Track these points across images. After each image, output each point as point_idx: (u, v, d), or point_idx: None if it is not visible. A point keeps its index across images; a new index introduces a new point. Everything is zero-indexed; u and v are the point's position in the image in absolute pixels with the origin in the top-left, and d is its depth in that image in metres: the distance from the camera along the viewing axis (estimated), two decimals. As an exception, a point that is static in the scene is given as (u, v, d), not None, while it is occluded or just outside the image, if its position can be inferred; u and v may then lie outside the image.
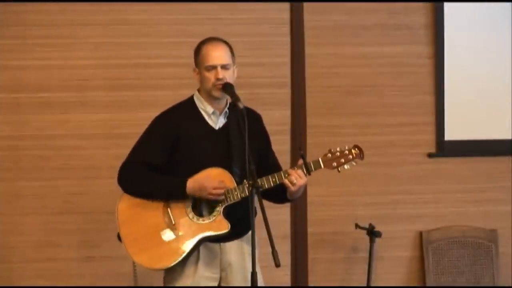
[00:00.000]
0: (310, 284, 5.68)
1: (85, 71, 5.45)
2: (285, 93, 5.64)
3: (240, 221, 3.84)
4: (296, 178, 3.82)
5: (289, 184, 3.82)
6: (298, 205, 5.63)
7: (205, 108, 3.94)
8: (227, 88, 3.86)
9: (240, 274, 3.91)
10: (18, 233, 5.41)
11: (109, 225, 5.36)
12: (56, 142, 5.44)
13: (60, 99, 5.44)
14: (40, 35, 5.41)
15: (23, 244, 5.41)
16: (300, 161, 3.88)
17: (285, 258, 5.55)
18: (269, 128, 4.94)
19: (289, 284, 5.64)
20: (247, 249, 3.92)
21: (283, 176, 3.84)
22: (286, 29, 5.65)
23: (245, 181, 3.78)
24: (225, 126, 3.94)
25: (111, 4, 5.46)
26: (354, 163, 3.90)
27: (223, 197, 3.82)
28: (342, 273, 5.72)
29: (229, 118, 3.95)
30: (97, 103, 5.47)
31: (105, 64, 5.46)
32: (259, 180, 3.76)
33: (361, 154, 3.90)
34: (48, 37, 5.42)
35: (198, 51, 3.95)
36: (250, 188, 3.66)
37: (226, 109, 3.96)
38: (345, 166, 3.90)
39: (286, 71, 5.65)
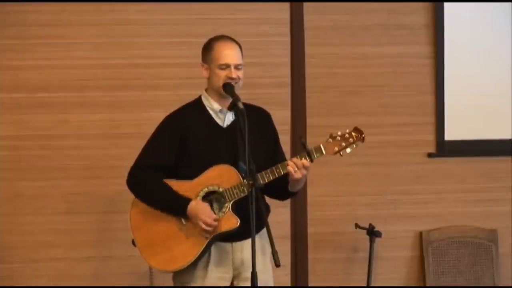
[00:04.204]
0: (310, 284, 5.68)
1: (85, 71, 5.45)
2: (285, 93, 5.64)
3: (250, 219, 3.83)
4: (294, 168, 3.80)
5: (292, 171, 3.80)
6: (298, 205, 5.64)
7: (212, 106, 3.95)
8: (227, 88, 3.87)
9: (249, 273, 3.89)
10: (18, 233, 5.41)
11: (109, 225, 5.39)
12: (56, 142, 5.43)
13: (60, 99, 5.44)
14: (40, 35, 5.41)
15: (23, 244, 5.41)
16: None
17: (285, 258, 5.54)
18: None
19: (289, 284, 5.64)
20: (260, 247, 3.91)
21: (280, 167, 3.82)
22: (286, 29, 5.65)
23: (244, 180, 3.79)
24: (233, 124, 3.94)
25: (111, 4, 5.46)
26: (355, 146, 3.89)
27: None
28: (342, 273, 5.72)
29: (237, 115, 3.95)
30: (97, 103, 5.47)
31: (105, 64, 5.46)
32: (263, 173, 3.77)
33: (361, 136, 3.89)
34: (48, 37, 5.42)
35: (209, 47, 3.95)
36: (250, 189, 3.66)
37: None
38: (347, 150, 3.88)
39: (286, 71, 5.65)
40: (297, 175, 3.82)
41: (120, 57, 5.47)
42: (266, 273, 3.95)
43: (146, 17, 5.49)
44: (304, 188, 5.62)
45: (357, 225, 5.54)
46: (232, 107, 3.83)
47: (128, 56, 5.48)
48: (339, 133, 3.89)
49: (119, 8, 5.47)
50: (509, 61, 5.82)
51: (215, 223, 3.80)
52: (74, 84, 5.45)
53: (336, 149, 3.87)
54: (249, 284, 3.85)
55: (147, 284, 5.23)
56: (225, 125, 3.95)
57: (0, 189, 5.40)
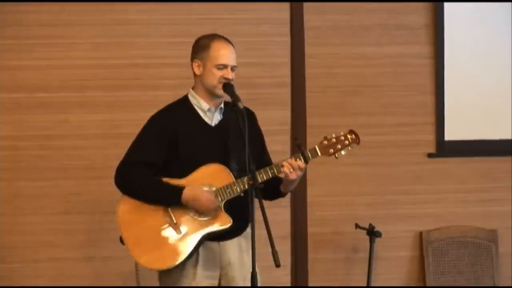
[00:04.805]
0: (310, 284, 5.68)
1: (85, 71, 5.45)
2: (285, 93, 5.65)
3: (238, 218, 3.86)
4: (289, 169, 3.81)
5: (288, 172, 3.81)
6: (298, 205, 5.64)
7: (200, 105, 3.94)
8: (227, 87, 3.86)
9: (239, 272, 3.91)
10: (18, 233, 5.41)
11: (109, 225, 5.37)
12: (56, 142, 5.44)
13: (60, 99, 5.44)
14: (40, 35, 5.42)
15: (23, 244, 5.41)
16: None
17: (285, 258, 5.55)
18: (269, 128, 4.94)
19: (289, 284, 5.65)
20: (246, 246, 3.93)
21: (275, 168, 3.83)
22: (286, 29, 5.65)
23: (245, 179, 3.78)
24: (221, 123, 3.94)
25: (111, 4, 5.47)
26: (350, 148, 3.90)
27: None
28: (342, 273, 5.73)
29: (225, 114, 3.95)
30: (97, 103, 5.47)
31: (105, 64, 5.46)
32: (256, 173, 3.76)
33: (357, 139, 3.89)
34: (48, 37, 5.42)
35: (206, 44, 3.92)
36: (251, 189, 3.66)
37: (222, 106, 3.96)
38: (342, 152, 3.89)
39: (286, 71, 5.65)
40: (293, 176, 3.82)
41: (120, 57, 5.48)
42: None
43: (146, 17, 5.50)
44: (304, 188, 5.63)
45: (357, 225, 5.54)
46: (232, 107, 3.82)
47: (128, 56, 5.48)
48: (334, 135, 3.89)
49: (119, 8, 5.48)
50: (509, 61, 5.82)
51: (217, 202, 3.79)
52: (74, 84, 5.45)
53: (331, 151, 3.88)
54: (235, 284, 3.89)
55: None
56: (213, 124, 3.94)
57: (0, 189, 5.40)
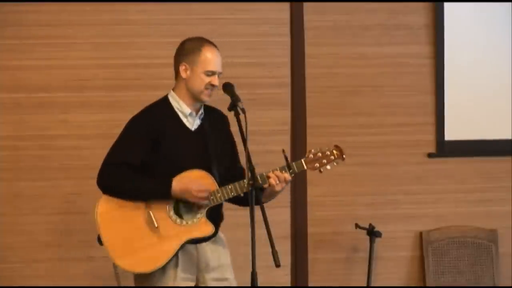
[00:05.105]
0: (310, 284, 5.68)
1: (85, 71, 5.45)
2: (285, 93, 5.64)
3: (215, 222, 3.89)
4: (276, 181, 3.81)
5: (274, 184, 3.81)
6: (298, 205, 5.64)
7: (182, 109, 3.93)
8: (228, 87, 3.85)
9: (216, 274, 3.93)
10: (18, 233, 5.41)
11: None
12: (56, 142, 5.44)
13: (60, 99, 5.44)
14: (40, 35, 5.42)
15: (23, 244, 5.41)
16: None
17: (285, 258, 5.55)
18: (269, 128, 4.95)
19: (289, 284, 5.65)
20: (221, 249, 3.97)
21: (260, 178, 3.81)
22: (286, 29, 5.65)
23: (230, 186, 3.80)
24: (200, 128, 3.94)
25: (111, 4, 5.47)
26: (335, 164, 3.90)
27: (206, 201, 3.80)
28: (342, 273, 5.73)
29: (204, 119, 3.95)
30: (97, 103, 5.47)
31: (105, 64, 5.46)
32: (241, 182, 3.78)
33: (342, 155, 3.90)
34: (48, 37, 5.42)
35: (195, 49, 3.90)
36: (250, 188, 3.66)
37: (202, 111, 3.95)
38: (327, 167, 3.89)
39: (286, 71, 5.65)
40: (278, 188, 3.83)
41: (120, 57, 5.48)
42: (231, 273, 3.98)
43: (146, 17, 5.50)
44: (304, 188, 5.63)
45: (357, 225, 5.54)
46: (232, 108, 3.81)
47: (128, 56, 5.48)
48: (319, 149, 3.89)
49: (119, 8, 5.48)
50: (509, 61, 5.82)
51: (207, 188, 3.78)
52: (74, 84, 5.45)
53: (317, 165, 3.88)
54: (212, 285, 3.91)
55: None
56: (193, 129, 3.93)
57: (0, 189, 5.40)
